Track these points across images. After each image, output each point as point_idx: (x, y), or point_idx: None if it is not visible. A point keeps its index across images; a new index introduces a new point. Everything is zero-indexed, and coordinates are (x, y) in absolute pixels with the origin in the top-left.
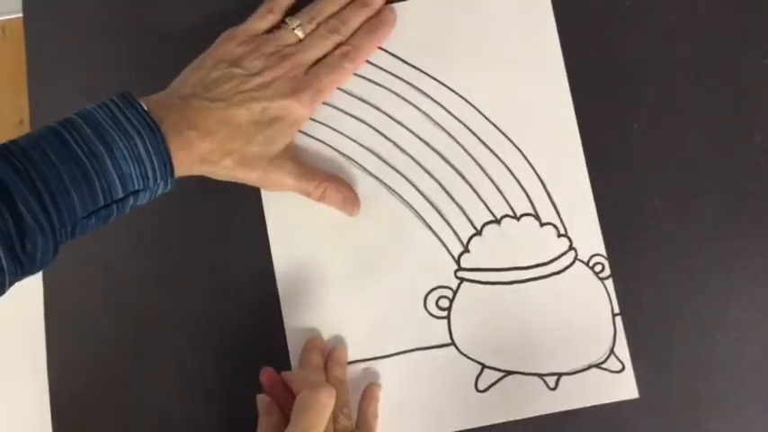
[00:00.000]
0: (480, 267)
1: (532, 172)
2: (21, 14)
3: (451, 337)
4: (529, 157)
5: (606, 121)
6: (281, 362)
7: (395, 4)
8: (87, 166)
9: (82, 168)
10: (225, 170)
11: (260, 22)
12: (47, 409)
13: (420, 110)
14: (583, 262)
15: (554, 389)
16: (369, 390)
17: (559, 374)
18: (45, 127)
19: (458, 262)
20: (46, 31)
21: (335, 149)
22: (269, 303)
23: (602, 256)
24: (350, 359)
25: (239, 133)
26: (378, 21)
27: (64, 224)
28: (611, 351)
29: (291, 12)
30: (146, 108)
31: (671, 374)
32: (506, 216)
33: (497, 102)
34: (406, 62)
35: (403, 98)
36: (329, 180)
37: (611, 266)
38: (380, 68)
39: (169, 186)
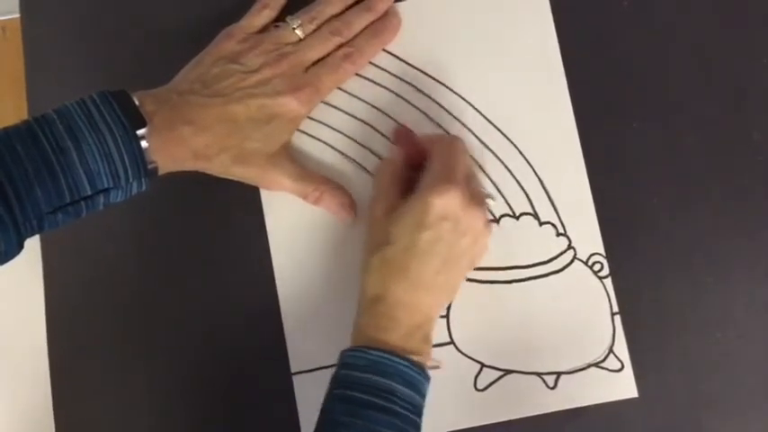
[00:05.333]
0: (479, 266)
1: (531, 171)
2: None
3: (450, 336)
4: (528, 157)
5: (605, 121)
6: (280, 360)
7: (394, 5)
8: (53, 161)
9: (47, 163)
10: (221, 166)
11: (256, 18)
12: (49, 406)
13: (420, 110)
14: (582, 261)
15: (553, 388)
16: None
17: (558, 373)
18: (22, 121)
19: None
20: (44, 32)
21: (335, 149)
22: (268, 303)
23: (601, 255)
24: None
25: (237, 129)
26: (382, 25)
27: (28, 218)
28: (611, 350)
29: (288, 9)
30: (138, 103)
31: (670, 374)
32: (505, 215)
33: (496, 101)
34: (406, 62)
35: (403, 98)
36: (326, 184)
37: (610, 265)
38: (380, 68)
39: (144, 187)
